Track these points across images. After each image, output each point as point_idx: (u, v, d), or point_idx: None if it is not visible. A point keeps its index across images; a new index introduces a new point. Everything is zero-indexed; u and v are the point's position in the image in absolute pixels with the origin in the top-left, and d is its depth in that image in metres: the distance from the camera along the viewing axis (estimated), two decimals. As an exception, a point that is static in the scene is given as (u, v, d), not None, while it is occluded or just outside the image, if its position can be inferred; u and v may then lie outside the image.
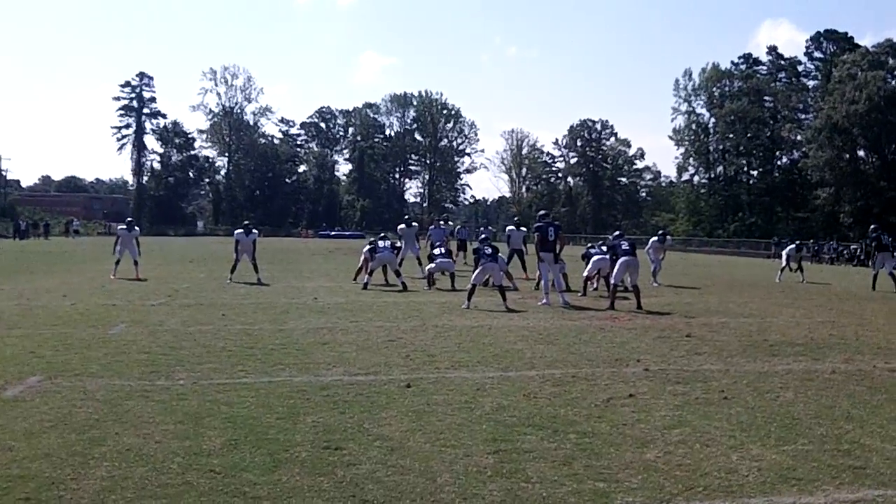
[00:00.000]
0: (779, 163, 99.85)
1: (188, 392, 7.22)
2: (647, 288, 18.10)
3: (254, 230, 21.76)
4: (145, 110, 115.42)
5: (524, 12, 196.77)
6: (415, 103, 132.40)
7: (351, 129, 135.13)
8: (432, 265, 20.12)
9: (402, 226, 24.76)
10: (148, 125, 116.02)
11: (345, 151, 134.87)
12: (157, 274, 23.14)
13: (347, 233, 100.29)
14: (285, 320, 12.85)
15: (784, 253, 29.67)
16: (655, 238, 24.66)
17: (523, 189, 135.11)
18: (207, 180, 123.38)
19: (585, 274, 18.70)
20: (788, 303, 18.27)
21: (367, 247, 20.58)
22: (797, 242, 30.56)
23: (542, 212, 18.79)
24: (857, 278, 30.20)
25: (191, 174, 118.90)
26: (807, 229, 77.90)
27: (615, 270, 16.30)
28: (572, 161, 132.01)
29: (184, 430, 5.95)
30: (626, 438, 5.96)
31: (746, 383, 8.22)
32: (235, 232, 22.20)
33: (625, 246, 16.48)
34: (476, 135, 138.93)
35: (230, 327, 11.75)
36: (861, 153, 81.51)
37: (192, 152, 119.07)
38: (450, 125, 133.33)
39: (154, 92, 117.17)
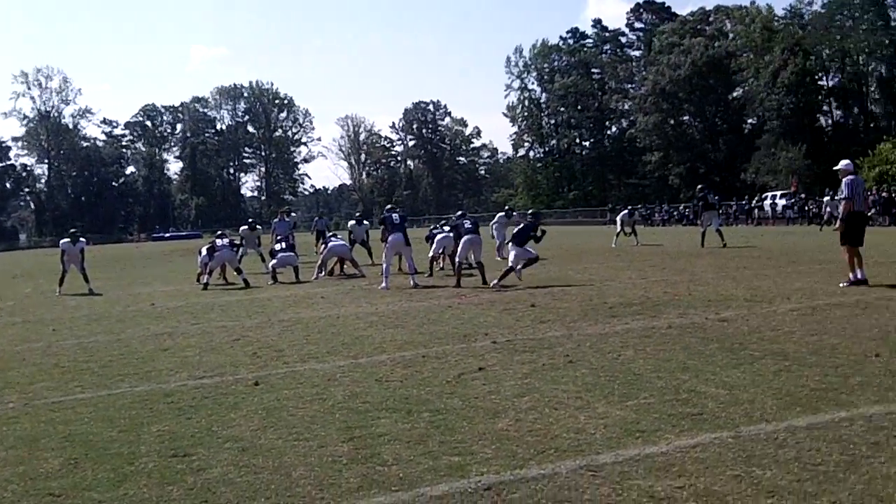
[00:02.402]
0: (609, 132, 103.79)
1: (20, 415, 6.82)
2: (493, 263, 18.38)
3: (81, 238, 20.72)
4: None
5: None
6: (245, 95, 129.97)
7: (180, 126, 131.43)
8: (274, 261, 19.78)
9: (245, 227, 24.32)
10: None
11: (174, 149, 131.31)
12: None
13: (183, 233, 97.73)
14: (122, 329, 12.33)
15: (618, 219, 30.79)
16: (502, 214, 25.00)
17: (364, 175, 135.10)
18: (27, 190, 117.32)
19: (431, 254, 18.87)
20: (625, 266, 18.98)
21: (206, 247, 20.04)
22: (629, 208, 31.83)
23: (388, 206, 19.60)
24: (687, 237, 31.67)
25: (7, 185, 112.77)
26: (639, 194, 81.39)
27: (459, 249, 16.50)
28: (410, 144, 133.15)
29: (17, 455, 5.61)
30: (479, 411, 6.04)
31: (589, 346, 8.48)
32: (61, 242, 21.11)
33: (467, 224, 16.69)
34: (311, 123, 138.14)
35: (62, 342, 11.16)
36: (686, 118, 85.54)
37: (8, 162, 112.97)
38: (283, 115, 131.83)
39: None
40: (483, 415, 5.93)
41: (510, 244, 16.07)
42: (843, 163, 13.38)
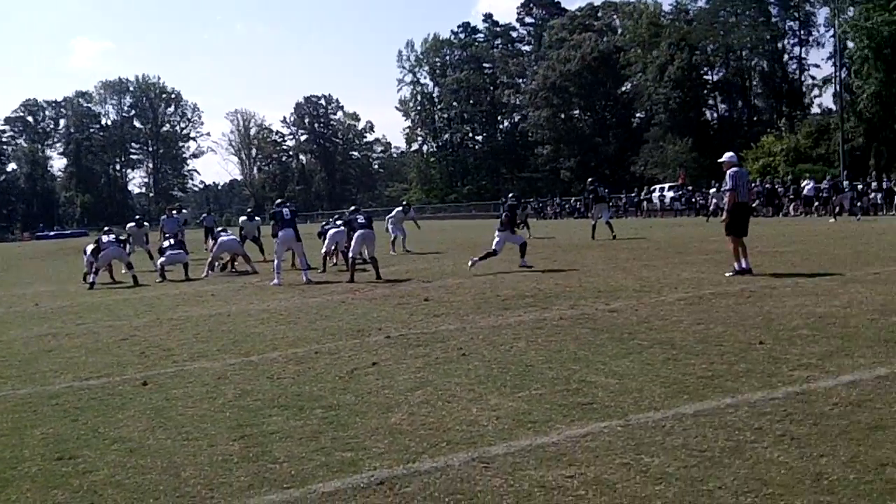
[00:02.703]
0: (501, 126, 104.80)
1: None
2: (387, 258, 18.37)
3: None
4: None
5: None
6: (131, 89, 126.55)
7: (63, 121, 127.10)
8: (163, 258, 19.31)
9: (132, 224, 23.80)
10: None
11: (58, 145, 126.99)
12: None
13: (68, 232, 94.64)
14: (4, 331, 11.85)
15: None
16: (399, 209, 25.09)
17: (255, 170, 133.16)
18: None
19: (324, 250, 18.73)
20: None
21: (91, 245, 19.41)
22: (521, 201, 32.20)
23: (278, 200, 19.29)
24: (578, 230, 32.26)
25: None
26: (531, 188, 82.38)
27: (353, 244, 16.44)
28: (302, 138, 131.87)
29: None
30: (372, 406, 6.03)
31: (482, 338, 8.56)
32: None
33: (360, 219, 16.64)
34: (200, 118, 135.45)
35: (-60, 345, 10.71)
36: (576, 112, 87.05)
37: None
38: (171, 109, 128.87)
39: None
40: (376, 410, 5.92)
41: (497, 230, 16.66)
42: (727, 155, 13.73)
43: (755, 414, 5.25)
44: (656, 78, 71.61)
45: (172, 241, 20.36)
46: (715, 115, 79.77)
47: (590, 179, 27.99)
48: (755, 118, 75.47)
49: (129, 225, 23.95)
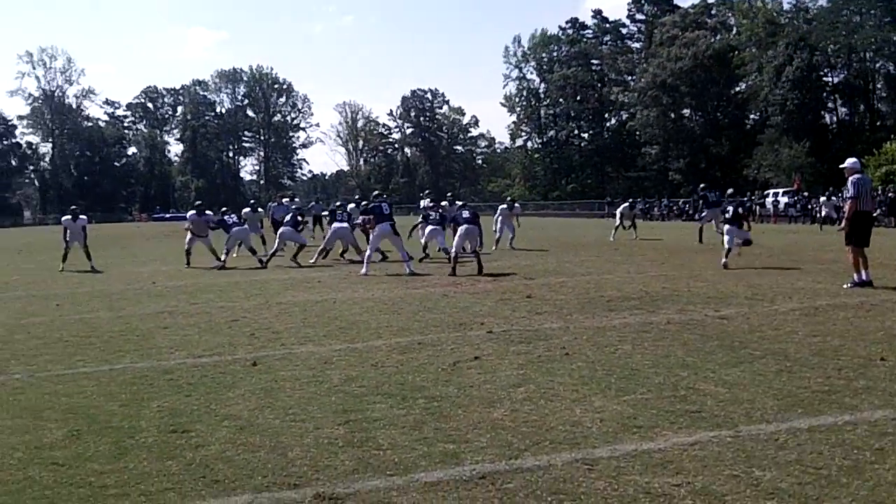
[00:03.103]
0: (608, 124, 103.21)
1: (25, 386, 6.88)
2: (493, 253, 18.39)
3: (82, 216, 20.84)
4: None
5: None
6: (245, 79, 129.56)
7: (180, 109, 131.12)
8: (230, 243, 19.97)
9: (248, 210, 24.58)
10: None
11: (175, 131, 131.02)
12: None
13: (181, 215, 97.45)
14: (123, 306, 12.38)
15: (617, 212, 30.67)
16: (504, 206, 25.05)
17: (361, 162, 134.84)
18: (32, 168, 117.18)
19: (423, 240, 18.91)
20: (623, 260, 18.99)
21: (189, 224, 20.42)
22: (629, 200, 31.70)
23: (374, 193, 19.84)
24: (686, 233, 31.61)
25: (13, 162, 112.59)
26: (638, 188, 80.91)
27: (456, 238, 16.54)
28: (408, 131, 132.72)
29: (22, 424, 5.68)
30: (474, 399, 6.06)
31: (586, 339, 8.49)
32: (63, 219, 21.23)
33: (466, 214, 16.81)
34: (310, 109, 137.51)
35: (66, 317, 11.23)
36: (687, 112, 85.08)
37: (14, 140, 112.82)
38: (282, 100, 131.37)
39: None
40: (478, 403, 5.95)
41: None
42: (850, 161, 13.14)
43: (876, 433, 5.03)
44: (773, 78, 69.26)
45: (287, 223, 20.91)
46: (834, 118, 76.68)
47: (701, 186, 27.48)
48: (878, 123, 72.30)
49: (245, 210, 24.64)
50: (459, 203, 19.15)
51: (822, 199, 39.83)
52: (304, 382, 6.74)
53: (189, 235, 20.19)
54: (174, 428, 5.47)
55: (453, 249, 16.44)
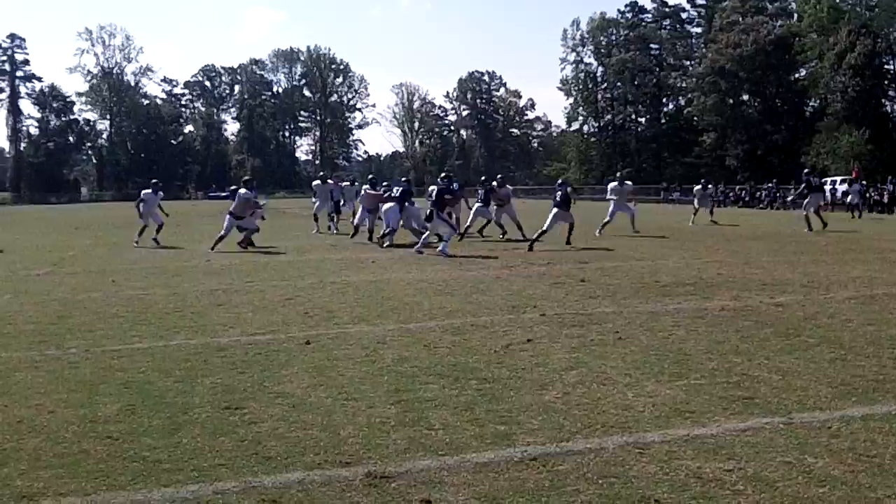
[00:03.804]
0: (665, 109, 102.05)
1: (80, 360, 7.01)
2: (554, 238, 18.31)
3: (160, 192, 21.82)
4: (19, 73, 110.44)
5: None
6: (302, 59, 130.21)
7: (237, 88, 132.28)
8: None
9: (317, 182, 25.13)
10: (23, 89, 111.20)
11: (232, 110, 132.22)
12: (42, 243, 22.33)
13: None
14: (178, 283, 12.57)
15: (695, 197, 30.30)
16: (615, 183, 23.95)
17: (416, 143, 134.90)
18: (89, 145, 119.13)
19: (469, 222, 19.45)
20: (678, 245, 18.80)
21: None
22: (702, 182, 31.27)
23: (442, 175, 20.09)
24: (743, 219, 31.24)
25: (71, 139, 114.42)
26: (695, 174, 79.83)
27: (548, 220, 18.03)
28: (464, 114, 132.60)
29: (78, 398, 5.79)
30: (526, 382, 6.05)
31: (640, 323, 8.43)
32: (143, 192, 21.82)
33: (558, 196, 18.43)
34: (366, 90, 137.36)
35: (121, 293, 11.42)
36: (745, 98, 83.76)
37: (72, 116, 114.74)
38: (339, 80, 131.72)
39: (27, 54, 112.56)
40: (530, 386, 5.94)
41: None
42: None
43: (930, 423, 4.96)
44: (833, 65, 67.84)
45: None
46: (895, 107, 75.17)
47: (805, 171, 27.05)
48: (941, 112, 70.75)
49: (314, 182, 25.74)
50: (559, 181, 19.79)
51: (844, 186, 38.91)
52: (356, 362, 6.79)
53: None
54: (227, 404, 5.54)
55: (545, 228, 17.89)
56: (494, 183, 21.53)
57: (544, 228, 17.80)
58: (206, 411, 5.41)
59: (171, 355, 7.14)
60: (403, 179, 22.87)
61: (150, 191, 21.41)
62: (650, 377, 6.15)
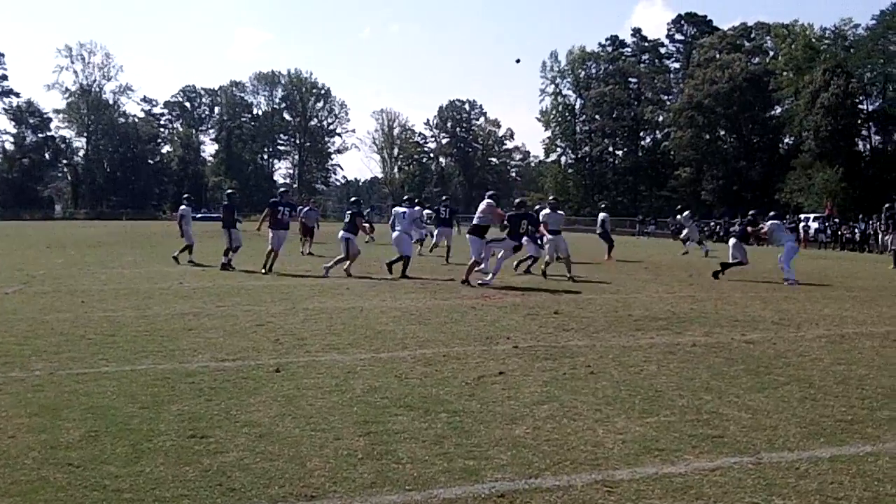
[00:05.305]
0: (642, 143, 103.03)
1: (44, 383, 6.89)
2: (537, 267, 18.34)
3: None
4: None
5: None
6: (283, 82, 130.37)
7: (217, 109, 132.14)
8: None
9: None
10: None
11: (211, 131, 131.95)
12: (12, 260, 22.08)
13: (215, 215, 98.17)
14: (149, 306, 12.43)
15: (683, 223, 31.02)
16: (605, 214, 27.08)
17: (395, 169, 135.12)
18: (65, 162, 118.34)
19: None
20: (651, 279, 18.88)
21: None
22: (679, 207, 31.87)
23: (444, 198, 20.40)
24: (718, 253, 31.34)
25: (47, 155, 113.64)
26: (670, 207, 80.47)
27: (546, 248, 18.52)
28: (443, 141, 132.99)
29: (40, 422, 5.68)
30: (496, 416, 6.02)
31: (612, 358, 8.43)
32: (181, 208, 22.19)
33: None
34: (347, 115, 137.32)
35: (90, 314, 11.27)
36: (721, 133, 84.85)
37: (49, 133, 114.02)
38: (320, 104, 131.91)
39: (5, 69, 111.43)
40: (501, 420, 5.91)
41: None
42: None
43: (898, 466, 4.98)
44: (808, 103, 68.88)
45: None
46: (868, 146, 76.26)
47: (886, 206, 27.01)
48: (912, 152, 71.86)
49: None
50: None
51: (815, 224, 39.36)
52: (326, 391, 6.72)
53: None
54: (193, 433, 5.46)
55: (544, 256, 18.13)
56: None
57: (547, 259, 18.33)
58: (170, 439, 5.33)
59: (138, 380, 7.04)
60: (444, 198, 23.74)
61: (187, 206, 21.90)
62: (621, 413, 6.14)
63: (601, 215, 27.26)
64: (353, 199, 19.53)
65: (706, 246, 31.39)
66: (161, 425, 5.64)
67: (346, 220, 18.11)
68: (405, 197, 22.24)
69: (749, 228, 19.20)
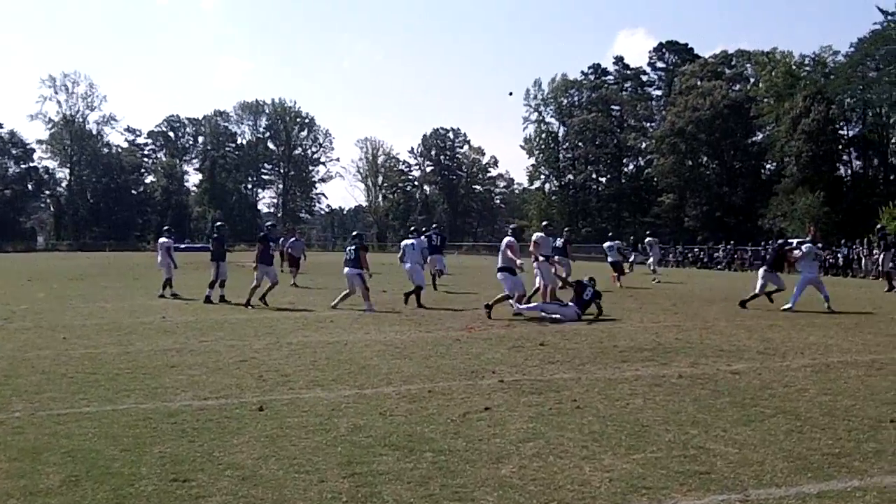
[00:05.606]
0: (625, 170, 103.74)
1: (24, 425, 6.80)
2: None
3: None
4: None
5: (381, 15, 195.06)
6: (267, 111, 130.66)
7: (201, 138, 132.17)
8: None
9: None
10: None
11: (195, 161, 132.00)
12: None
13: (198, 245, 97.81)
14: (131, 342, 12.33)
15: (648, 249, 31.27)
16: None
17: (380, 197, 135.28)
18: (48, 192, 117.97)
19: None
20: (636, 308, 18.88)
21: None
22: (648, 232, 32.16)
23: (433, 225, 20.51)
24: (700, 280, 31.52)
25: (29, 186, 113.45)
26: (653, 233, 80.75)
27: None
28: (428, 169, 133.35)
29: (19, 467, 5.59)
30: (482, 454, 5.97)
31: (598, 391, 8.40)
32: (160, 240, 22.25)
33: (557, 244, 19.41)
34: (331, 143, 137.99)
35: (72, 352, 11.17)
36: (704, 160, 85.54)
37: (32, 164, 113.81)
38: (304, 133, 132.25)
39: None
40: (487, 458, 5.86)
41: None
42: None
43: (885, 500, 4.97)
44: (789, 129, 69.59)
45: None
46: (849, 171, 77.13)
47: (878, 227, 27.31)
48: (892, 176, 72.66)
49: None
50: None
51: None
52: (310, 430, 6.66)
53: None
54: (175, 476, 5.38)
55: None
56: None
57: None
58: (152, 483, 5.25)
59: (120, 420, 6.95)
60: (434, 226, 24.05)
61: (168, 238, 22.10)
62: (607, 450, 6.10)
63: (612, 243, 27.53)
64: (354, 233, 19.31)
65: (658, 274, 31.60)
66: (143, 469, 5.56)
67: (351, 256, 17.62)
68: (412, 228, 22.32)
69: (787, 252, 18.86)
